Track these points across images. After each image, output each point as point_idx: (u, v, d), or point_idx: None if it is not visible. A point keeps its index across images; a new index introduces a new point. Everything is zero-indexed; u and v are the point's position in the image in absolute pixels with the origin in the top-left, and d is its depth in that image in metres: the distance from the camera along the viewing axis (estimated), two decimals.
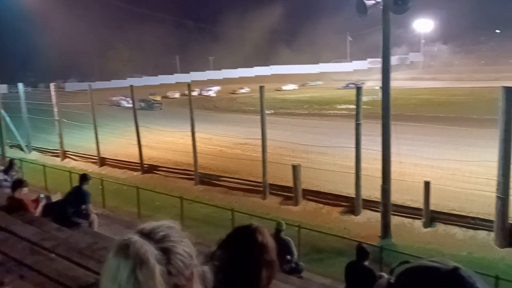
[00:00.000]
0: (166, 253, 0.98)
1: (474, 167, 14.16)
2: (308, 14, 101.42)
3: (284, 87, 65.72)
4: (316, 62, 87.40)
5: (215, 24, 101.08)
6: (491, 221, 10.55)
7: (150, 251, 0.96)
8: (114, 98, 48.67)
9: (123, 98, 46.42)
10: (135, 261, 0.93)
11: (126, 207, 13.39)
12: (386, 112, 11.29)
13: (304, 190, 13.84)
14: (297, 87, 68.14)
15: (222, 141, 21.97)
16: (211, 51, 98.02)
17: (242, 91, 65.85)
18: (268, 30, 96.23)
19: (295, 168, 13.71)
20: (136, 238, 0.98)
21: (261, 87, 14.90)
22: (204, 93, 63.84)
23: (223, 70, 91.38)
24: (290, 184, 13.95)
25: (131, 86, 19.69)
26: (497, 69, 55.63)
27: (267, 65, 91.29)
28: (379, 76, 11.38)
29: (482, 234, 10.76)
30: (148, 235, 1.00)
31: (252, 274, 1.51)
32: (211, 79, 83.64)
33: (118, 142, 21.82)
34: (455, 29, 75.76)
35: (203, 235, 9.92)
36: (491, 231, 10.56)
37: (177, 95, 59.38)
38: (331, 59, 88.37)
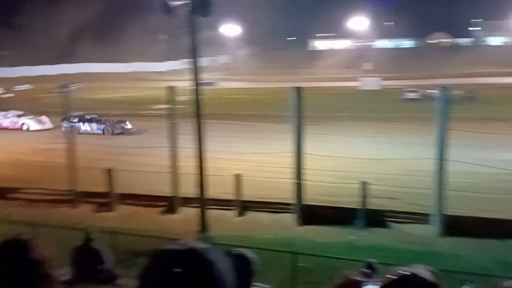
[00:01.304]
0: None
1: (276, 158, 15.95)
2: (122, 12, 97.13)
3: None
4: (129, 62, 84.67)
5: (9, 15, 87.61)
6: (291, 204, 12.10)
7: None
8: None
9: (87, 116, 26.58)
10: None
11: None
12: (198, 111, 11.73)
13: (120, 194, 13.28)
14: (4, 90, 63.20)
15: (22, 147, 19.30)
16: (3, 46, 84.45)
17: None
18: (77, 26, 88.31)
19: (109, 172, 13.04)
20: None
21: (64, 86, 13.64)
22: None
23: (19, 68, 80.00)
24: (104, 189, 13.20)
25: None
26: (291, 72, 63.81)
27: (74, 62, 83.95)
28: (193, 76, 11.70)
29: (284, 216, 12.25)
30: None
31: None
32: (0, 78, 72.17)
33: None
34: (259, 35, 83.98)
35: None
36: (292, 213, 12.12)
37: None
38: (145, 59, 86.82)
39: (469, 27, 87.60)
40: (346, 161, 17.28)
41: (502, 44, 78.32)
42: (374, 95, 41.30)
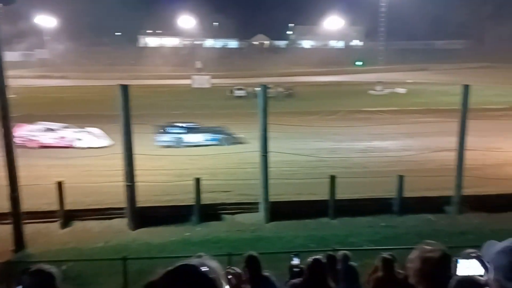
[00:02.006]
0: None
1: (107, 161, 15.03)
2: None
3: None
4: None
5: None
6: (123, 208, 11.53)
7: None
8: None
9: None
10: None
11: None
12: (6, 112, 10.18)
13: None
14: None
15: None
16: None
17: None
18: None
19: None
20: None
21: None
22: None
23: None
24: None
25: None
26: (122, 69, 60.88)
27: None
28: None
29: (116, 222, 11.60)
30: None
31: None
32: None
33: None
34: (82, 29, 77.29)
35: None
36: (124, 217, 11.56)
37: None
38: None
39: (286, 30, 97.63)
40: (180, 158, 17.40)
41: (311, 47, 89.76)
42: (205, 93, 42.52)
